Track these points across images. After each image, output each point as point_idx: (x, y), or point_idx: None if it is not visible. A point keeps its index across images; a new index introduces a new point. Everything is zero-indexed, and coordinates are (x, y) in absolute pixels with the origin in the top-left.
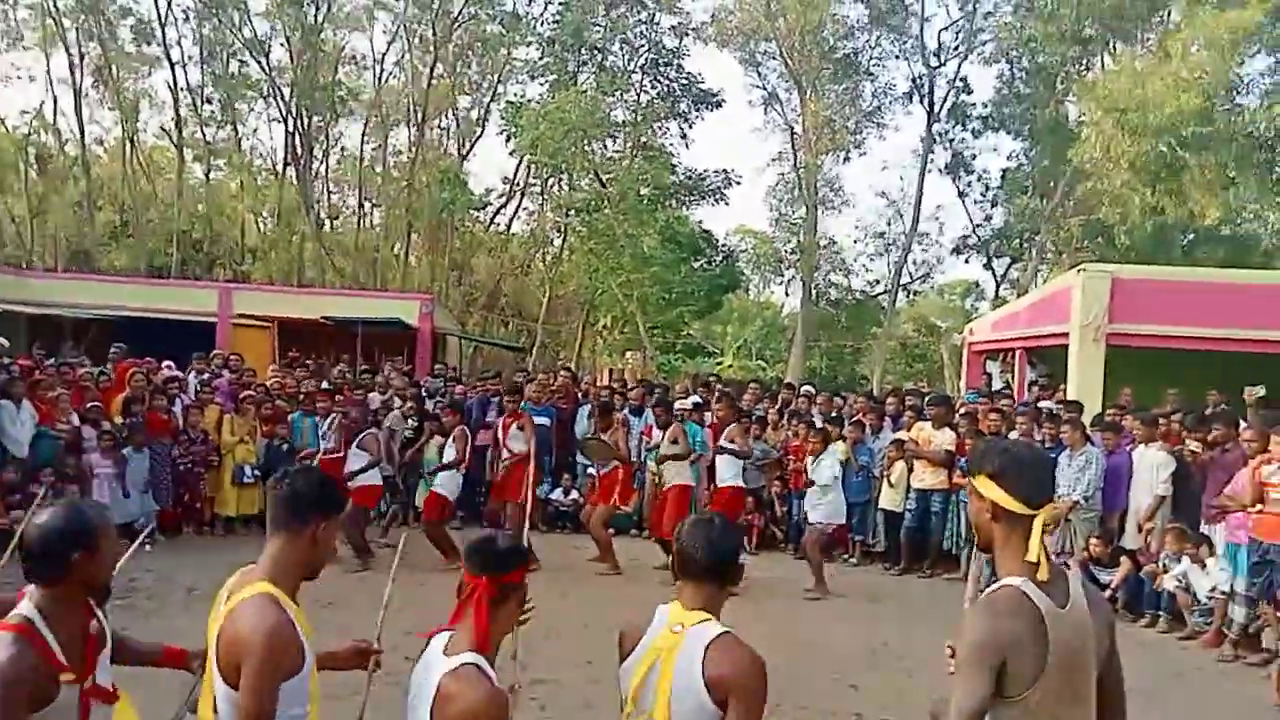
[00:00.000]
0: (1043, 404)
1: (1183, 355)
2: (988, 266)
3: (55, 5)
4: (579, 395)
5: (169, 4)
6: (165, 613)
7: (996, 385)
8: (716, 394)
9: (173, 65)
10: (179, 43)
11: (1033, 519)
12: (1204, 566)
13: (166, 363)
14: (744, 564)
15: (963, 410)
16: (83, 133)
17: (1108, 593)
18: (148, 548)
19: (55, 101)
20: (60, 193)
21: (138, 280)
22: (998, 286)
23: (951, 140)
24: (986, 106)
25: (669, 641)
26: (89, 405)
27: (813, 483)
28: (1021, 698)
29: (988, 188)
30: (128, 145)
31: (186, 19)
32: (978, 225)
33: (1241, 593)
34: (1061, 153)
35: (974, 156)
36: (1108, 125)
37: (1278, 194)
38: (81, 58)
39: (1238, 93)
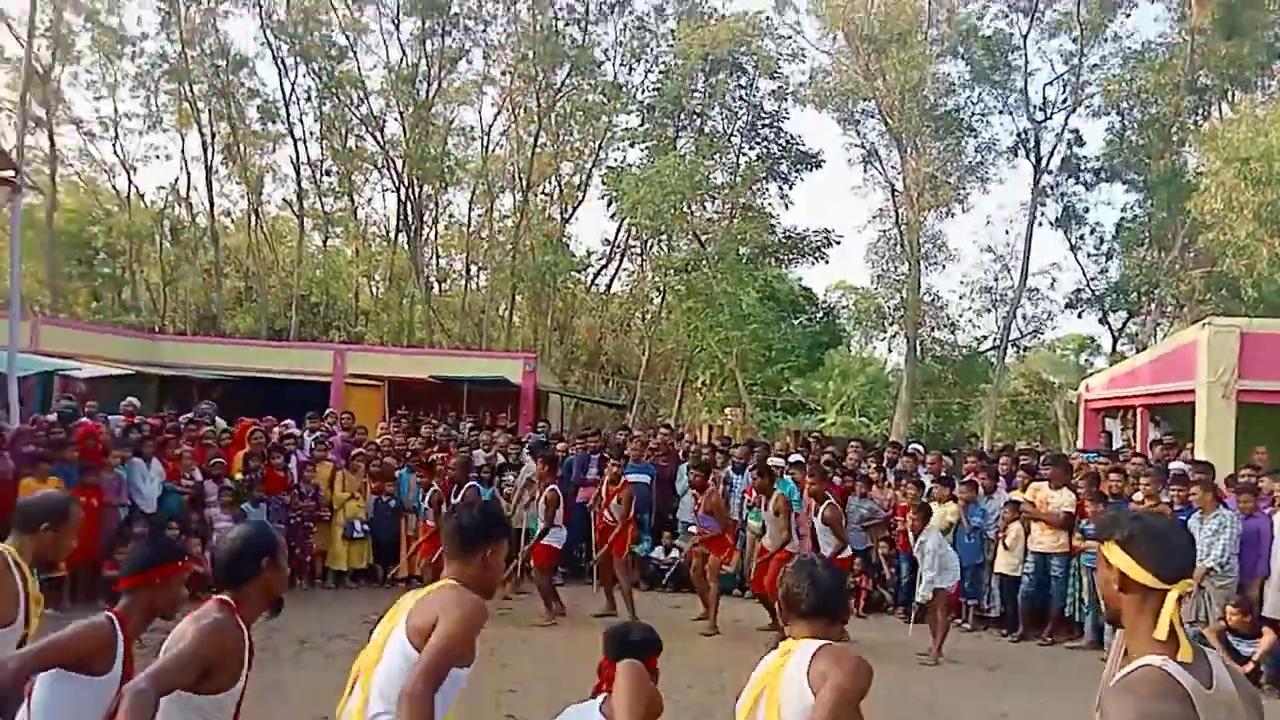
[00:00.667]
0: (1172, 465)
1: None
2: (1103, 321)
3: (191, 90)
4: (679, 453)
5: (293, 85)
6: (277, 664)
7: (1116, 444)
8: (809, 465)
9: (295, 141)
10: (300, 120)
11: (1165, 594)
12: None
13: (286, 420)
14: (849, 603)
15: (1082, 471)
16: (212, 206)
17: (1249, 665)
18: None
19: (189, 177)
20: (191, 261)
21: (259, 343)
22: (1114, 342)
23: (1064, 194)
24: (1099, 160)
25: (777, 664)
26: (211, 462)
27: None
28: None
29: (1102, 240)
30: (253, 216)
31: (309, 98)
32: (1092, 279)
33: None
34: (1179, 204)
35: (1086, 210)
36: (1229, 176)
37: None
38: (213, 136)
39: None
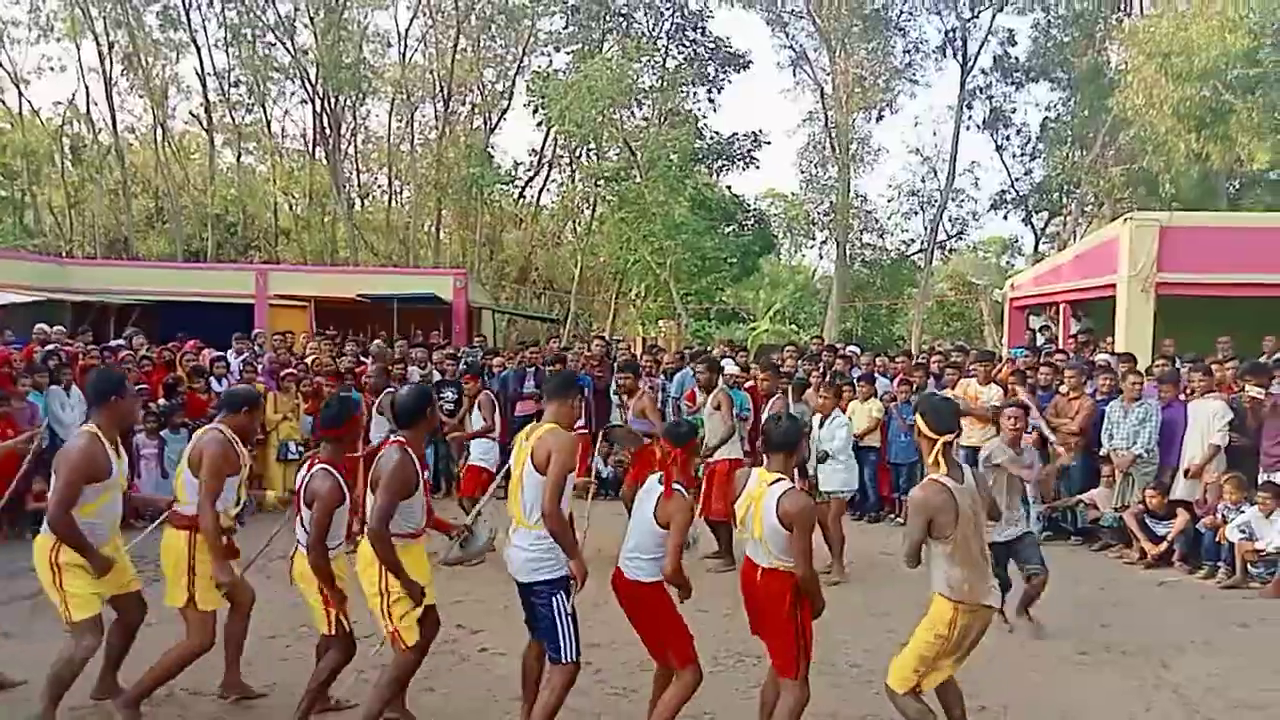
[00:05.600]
0: (1097, 357)
1: (1232, 302)
2: (1027, 221)
3: None
4: (612, 364)
5: None
6: None
7: (1040, 340)
8: (761, 363)
9: (199, 50)
10: (204, 27)
11: (937, 441)
12: (1269, 516)
13: (191, 342)
14: (802, 443)
15: (1011, 366)
16: (115, 121)
17: (1164, 545)
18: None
19: (87, 91)
20: (96, 181)
21: (176, 265)
22: (1037, 241)
23: (990, 96)
24: (1032, 60)
25: (759, 491)
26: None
27: (825, 454)
28: (949, 538)
29: (1028, 141)
30: (159, 132)
31: (211, 3)
32: (1017, 180)
33: None
34: (1101, 101)
35: (1013, 110)
36: (1150, 71)
37: None
38: (110, 46)
39: None
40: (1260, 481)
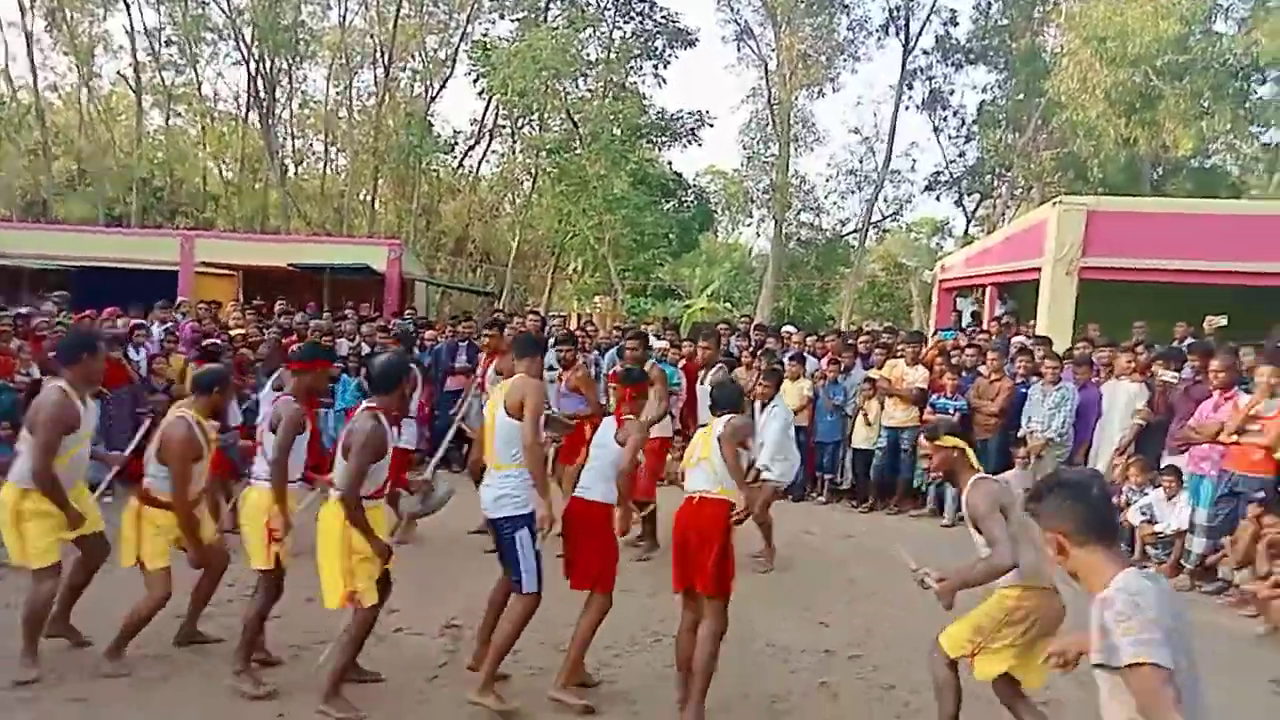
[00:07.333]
0: (1017, 339)
1: (1153, 287)
2: (959, 204)
3: None
4: (548, 340)
5: None
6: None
7: (966, 322)
8: (704, 333)
9: (128, 6)
10: None
11: (965, 450)
12: (1170, 499)
13: (109, 309)
14: (743, 398)
15: (937, 347)
16: (36, 79)
17: None
18: (108, 499)
19: (5, 46)
20: (14, 141)
21: (97, 229)
22: (968, 224)
23: (930, 77)
24: (972, 41)
25: (709, 429)
26: (49, 356)
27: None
28: (1012, 520)
29: (963, 123)
30: (84, 91)
31: None
32: (951, 162)
33: (1203, 524)
34: (1037, 85)
35: (952, 92)
36: (1086, 55)
37: (1250, 123)
38: (31, 1)
39: (1214, 19)
40: (1162, 465)
